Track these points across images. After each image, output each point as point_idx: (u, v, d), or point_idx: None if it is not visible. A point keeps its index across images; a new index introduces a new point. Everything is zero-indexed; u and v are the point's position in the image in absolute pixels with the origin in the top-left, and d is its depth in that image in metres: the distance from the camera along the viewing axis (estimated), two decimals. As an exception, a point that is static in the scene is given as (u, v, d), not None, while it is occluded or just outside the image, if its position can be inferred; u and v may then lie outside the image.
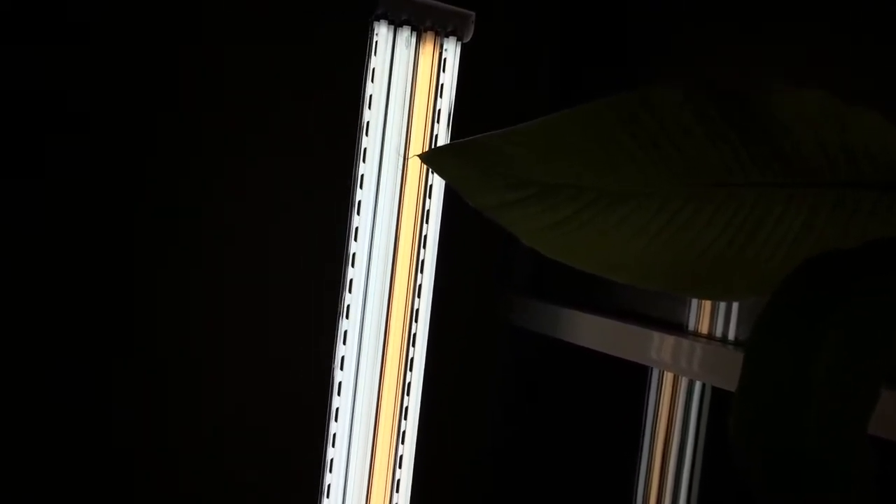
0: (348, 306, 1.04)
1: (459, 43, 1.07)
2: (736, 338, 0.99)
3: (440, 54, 1.06)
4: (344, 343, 1.05)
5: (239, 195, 1.06)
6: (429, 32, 1.04)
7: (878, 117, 0.46)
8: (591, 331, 1.14)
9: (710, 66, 1.04)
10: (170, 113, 1.01)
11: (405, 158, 1.04)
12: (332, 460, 1.06)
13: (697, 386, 1.04)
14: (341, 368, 1.05)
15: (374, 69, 1.02)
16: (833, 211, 0.50)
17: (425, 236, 1.08)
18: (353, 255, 1.04)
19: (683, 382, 1.05)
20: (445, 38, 1.06)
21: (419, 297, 1.08)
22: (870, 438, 0.44)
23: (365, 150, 1.03)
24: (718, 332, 1.01)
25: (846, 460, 0.45)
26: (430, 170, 1.06)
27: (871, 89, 0.84)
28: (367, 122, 1.03)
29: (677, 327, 1.05)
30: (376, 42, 1.02)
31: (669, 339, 1.02)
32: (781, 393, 0.46)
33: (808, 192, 0.50)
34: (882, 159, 0.48)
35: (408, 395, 1.09)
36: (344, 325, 1.05)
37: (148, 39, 0.99)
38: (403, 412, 1.09)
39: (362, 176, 1.03)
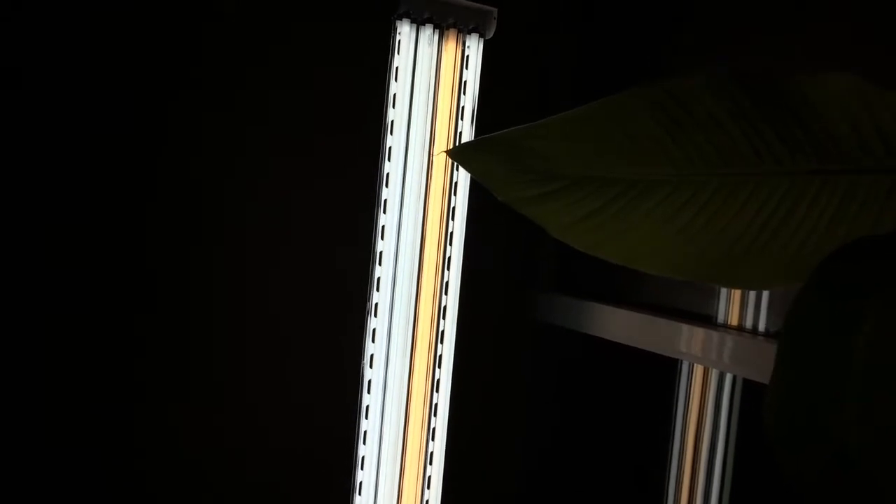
0: (376, 304, 1.05)
1: (482, 39, 1.07)
2: (766, 329, 0.98)
3: (463, 51, 1.06)
4: (373, 341, 1.05)
5: (263, 195, 1.07)
6: (451, 30, 1.04)
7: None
8: (619, 325, 1.13)
9: (733, 56, 1.03)
10: (192, 114, 1.02)
11: (431, 155, 1.04)
12: (363, 458, 1.07)
13: (728, 378, 1.03)
14: (370, 366, 1.06)
15: (397, 67, 1.03)
16: (867, 197, 0.49)
17: (451, 233, 1.08)
18: (381, 253, 1.05)
19: (714, 375, 1.04)
20: (468, 35, 1.06)
21: (446, 294, 1.09)
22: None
23: (390, 148, 1.03)
24: (748, 324, 1.00)
25: (883, 450, 0.44)
26: (456, 166, 1.06)
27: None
28: (392, 121, 1.03)
29: (707, 320, 1.04)
30: (399, 40, 1.03)
31: (699, 332, 1.01)
32: (816, 380, 0.46)
33: (840, 179, 0.49)
34: (916, 144, 0.47)
35: (437, 391, 1.09)
36: (372, 323, 1.05)
37: (169, 41, 1.00)
38: (433, 408, 1.09)
39: (388, 174, 1.04)
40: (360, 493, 1.07)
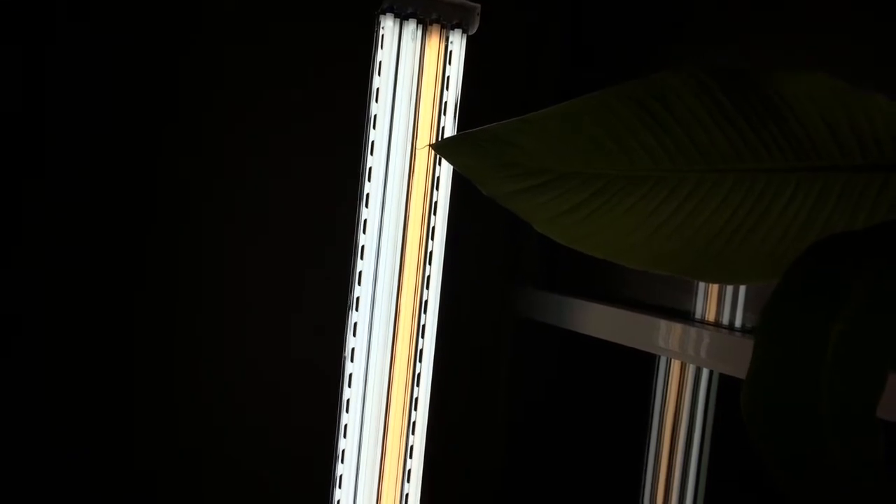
0: (358, 298, 1.05)
1: (465, 35, 1.07)
2: (743, 325, 1.00)
3: (446, 47, 1.06)
4: (354, 335, 1.06)
5: (246, 190, 1.06)
6: (434, 25, 1.05)
7: (882, 99, 0.47)
8: (598, 320, 1.14)
9: (718, 56, 1.05)
10: (175, 110, 1.02)
11: (413, 150, 1.05)
12: (343, 451, 1.07)
13: (705, 373, 1.05)
14: (352, 360, 1.06)
15: (380, 62, 1.03)
16: (842, 194, 0.50)
17: (433, 228, 1.08)
18: (362, 247, 1.05)
19: (691, 370, 1.06)
20: (451, 31, 1.06)
21: (428, 288, 1.09)
22: (880, 422, 0.45)
23: (373, 142, 1.04)
24: (725, 320, 1.02)
25: (856, 442, 0.46)
26: (439, 161, 1.06)
27: (879, 77, 0.84)
28: (375, 115, 1.03)
29: (684, 315, 1.06)
30: (382, 35, 1.03)
31: (677, 328, 1.03)
32: (792, 375, 0.47)
33: (817, 176, 0.50)
34: (888, 141, 0.48)
35: (418, 385, 1.10)
36: (354, 317, 1.05)
37: (153, 35, 1.00)
38: (413, 403, 1.10)
39: (370, 168, 1.04)
40: (339, 486, 1.07)
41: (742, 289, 1.01)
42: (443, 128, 1.07)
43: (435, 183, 1.07)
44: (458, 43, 1.07)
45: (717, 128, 0.51)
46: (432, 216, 1.08)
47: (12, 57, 0.93)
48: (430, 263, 1.09)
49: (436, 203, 1.08)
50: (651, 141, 0.53)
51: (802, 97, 0.48)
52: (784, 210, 0.52)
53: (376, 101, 1.03)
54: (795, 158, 0.51)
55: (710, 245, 0.54)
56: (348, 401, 1.06)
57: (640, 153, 0.53)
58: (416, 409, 1.10)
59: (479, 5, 1.06)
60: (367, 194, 1.04)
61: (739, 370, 0.95)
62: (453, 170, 1.04)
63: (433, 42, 1.05)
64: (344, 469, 1.07)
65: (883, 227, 0.48)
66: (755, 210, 0.52)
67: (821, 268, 0.47)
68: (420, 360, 1.10)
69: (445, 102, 1.07)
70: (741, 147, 0.51)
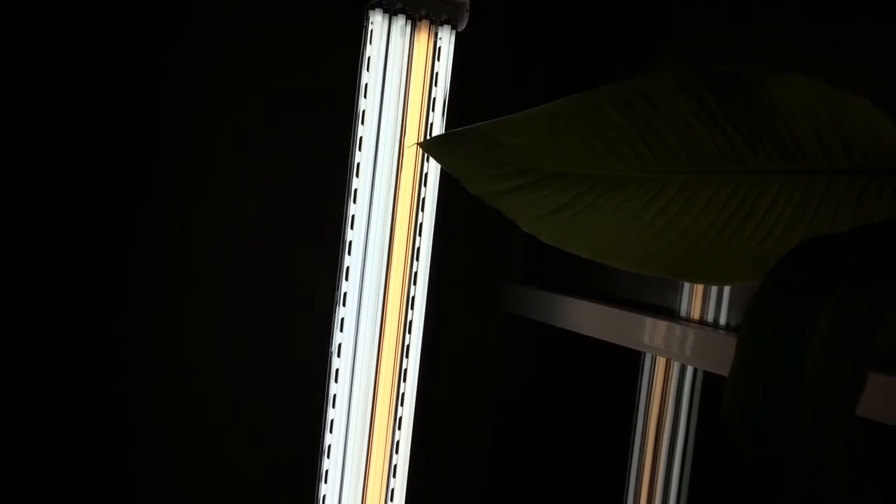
0: (345, 294, 1.05)
1: (454, 31, 1.07)
2: (727, 323, 1.01)
3: (435, 43, 1.06)
4: (341, 331, 1.06)
5: (234, 186, 1.06)
6: (423, 21, 1.05)
7: (866, 104, 0.47)
8: (584, 317, 1.15)
9: (707, 55, 1.05)
10: (162, 108, 1.01)
11: (402, 146, 1.04)
12: (329, 446, 1.07)
13: (689, 371, 1.05)
14: (338, 356, 1.06)
15: (369, 58, 1.03)
16: (825, 196, 0.51)
17: (421, 224, 1.08)
18: (350, 243, 1.05)
19: (675, 367, 1.06)
20: (440, 27, 1.06)
21: (415, 284, 1.09)
22: (861, 421, 0.45)
23: (361, 138, 1.04)
24: (710, 318, 1.02)
25: (837, 441, 0.46)
26: (427, 158, 1.06)
27: (861, 79, 0.85)
28: (363, 111, 1.03)
29: (670, 313, 1.06)
30: (371, 31, 1.03)
31: (662, 325, 1.03)
32: (773, 374, 0.47)
33: (800, 178, 0.51)
34: (871, 145, 0.49)
35: (404, 381, 1.10)
36: (341, 312, 1.05)
37: (140, 32, 0.99)
38: (400, 398, 1.10)
39: (358, 164, 1.04)
40: (325, 481, 1.08)
41: (727, 287, 1.01)
42: (431, 124, 1.07)
43: (423, 179, 1.07)
44: (447, 39, 1.07)
45: (704, 129, 0.51)
46: (420, 212, 1.08)
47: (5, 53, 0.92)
48: (417, 259, 1.09)
49: (423, 199, 1.08)
50: (638, 142, 0.53)
51: (790, 100, 0.48)
52: (768, 212, 0.52)
53: (364, 96, 1.03)
54: (780, 161, 0.51)
55: (695, 246, 0.54)
56: (335, 396, 1.06)
57: (628, 154, 0.54)
58: (402, 404, 1.10)
59: (468, 1, 1.06)
60: (355, 190, 1.04)
61: (724, 368, 0.95)
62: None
63: (422, 38, 1.05)
64: (330, 464, 1.07)
65: (865, 230, 0.49)
66: (740, 211, 0.53)
67: (803, 269, 0.48)
68: (407, 356, 1.10)
69: (434, 98, 1.07)
70: (727, 149, 0.52)
